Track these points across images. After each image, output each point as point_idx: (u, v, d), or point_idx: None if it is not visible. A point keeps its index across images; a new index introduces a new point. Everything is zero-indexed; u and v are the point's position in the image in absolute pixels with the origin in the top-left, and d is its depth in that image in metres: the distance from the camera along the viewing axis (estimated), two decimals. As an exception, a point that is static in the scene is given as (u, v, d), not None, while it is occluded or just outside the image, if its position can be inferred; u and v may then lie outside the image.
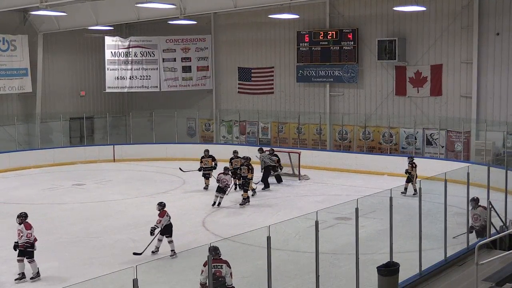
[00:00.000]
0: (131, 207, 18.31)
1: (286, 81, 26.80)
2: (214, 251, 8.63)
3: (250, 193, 18.76)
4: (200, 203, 18.62)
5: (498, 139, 21.46)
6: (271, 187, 20.71)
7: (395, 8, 22.14)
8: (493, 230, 12.17)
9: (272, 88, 27.28)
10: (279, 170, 21.72)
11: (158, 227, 13.08)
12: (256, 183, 20.21)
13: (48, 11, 21.45)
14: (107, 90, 28.60)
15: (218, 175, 18.30)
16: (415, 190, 18.47)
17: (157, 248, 13.26)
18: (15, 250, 11.91)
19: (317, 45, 25.10)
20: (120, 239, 14.65)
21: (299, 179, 22.16)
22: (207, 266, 8.82)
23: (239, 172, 19.09)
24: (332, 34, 24.69)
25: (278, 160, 21.65)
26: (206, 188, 20.42)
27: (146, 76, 28.22)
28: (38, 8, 21.06)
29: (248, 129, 27.71)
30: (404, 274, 9.90)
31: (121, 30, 29.86)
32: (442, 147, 22.76)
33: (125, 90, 28.76)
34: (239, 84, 28.21)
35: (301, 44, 25.56)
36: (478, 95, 22.12)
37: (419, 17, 22.99)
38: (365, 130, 24.43)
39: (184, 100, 29.35)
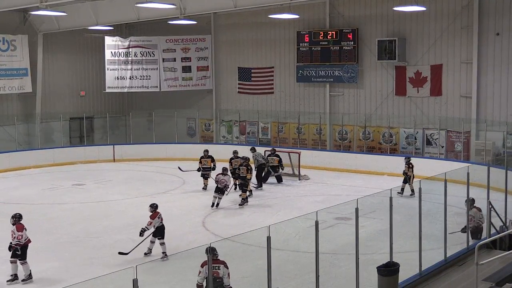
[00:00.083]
0: (131, 207, 18.30)
1: (286, 81, 26.80)
2: (211, 252, 8.62)
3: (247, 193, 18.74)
4: (200, 203, 18.61)
5: (498, 139, 21.46)
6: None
7: (395, 8, 22.14)
8: (493, 230, 12.18)
9: (272, 88, 27.28)
10: (280, 170, 21.73)
11: (148, 229, 13.04)
12: (255, 185, 20.25)
13: (48, 11, 21.45)
14: (107, 90, 28.60)
15: (217, 176, 18.22)
16: (412, 190, 18.50)
17: (150, 250, 13.20)
18: (10, 251, 11.89)
19: (317, 45, 25.10)
20: (120, 239, 14.64)
21: (299, 179, 22.15)
22: (204, 267, 8.86)
23: (237, 172, 19.06)
24: (332, 34, 24.69)
25: (280, 160, 21.65)
26: (205, 188, 20.40)
27: (146, 76, 28.22)
28: (38, 8, 21.04)
29: (248, 129, 27.71)
30: (404, 274, 9.91)
31: (121, 30, 29.86)
32: (442, 147, 22.76)
33: (125, 90, 28.76)
34: (239, 84, 28.21)
35: (301, 44, 25.56)
36: (478, 95, 22.12)
37: (419, 17, 22.99)
38: (365, 130, 24.43)
39: (184, 100, 29.35)
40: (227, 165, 19.64)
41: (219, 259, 8.94)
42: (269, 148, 22.81)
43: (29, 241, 11.98)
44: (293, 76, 26.35)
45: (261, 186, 20.64)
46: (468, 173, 11.65)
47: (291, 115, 26.49)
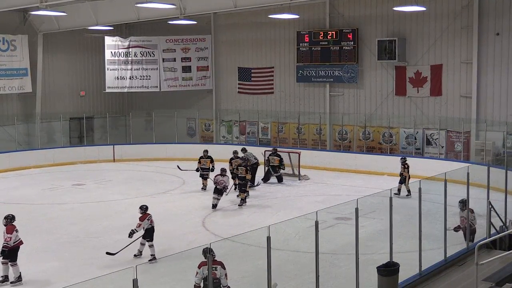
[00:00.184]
0: (131, 207, 18.22)
1: (286, 81, 26.80)
2: (209, 253, 8.61)
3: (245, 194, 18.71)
4: (200, 203, 18.60)
5: (498, 139, 21.46)
6: (271, 187, 20.71)
7: (395, 8, 22.14)
8: (493, 230, 12.17)
9: (272, 88, 27.27)
10: (281, 170, 21.72)
11: (137, 231, 12.98)
12: (255, 185, 20.23)
13: (48, 11, 21.46)
14: (107, 90, 28.60)
15: (215, 176, 18.13)
16: (408, 191, 18.51)
17: (140, 252, 13.14)
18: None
19: (317, 45, 25.10)
20: (120, 239, 14.58)
21: (299, 179, 22.15)
22: (201, 267, 8.86)
23: (235, 172, 19.02)
24: (332, 34, 24.69)
25: (280, 160, 21.64)
26: (204, 188, 20.38)
27: (146, 76, 28.22)
28: (38, 8, 21.05)
29: (248, 129, 27.70)
30: (404, 274, 9.91)
31: (121, 30, 29.85)
32: (442, 147, 22.76)
33: (125, 90, 28.75)
34: (239, 84, 28.21)
35: (301, 44, 25.56)
36: (478, 95, 22.11)
37: (419, 17, 22.99)
38: (365, 130, 24.43)
39: (184, 100, 29.34)
40: (227, 165, 19.63)
41: (216, 260, 8.92)
42: (270, 148, 22.81)
43: (21, 242, 11.86)
44: (293, 76, 26.35)
45: (254, 184, 20.41)
46: (468, 173, 11.63)
47: (291, 115, 26.49)
